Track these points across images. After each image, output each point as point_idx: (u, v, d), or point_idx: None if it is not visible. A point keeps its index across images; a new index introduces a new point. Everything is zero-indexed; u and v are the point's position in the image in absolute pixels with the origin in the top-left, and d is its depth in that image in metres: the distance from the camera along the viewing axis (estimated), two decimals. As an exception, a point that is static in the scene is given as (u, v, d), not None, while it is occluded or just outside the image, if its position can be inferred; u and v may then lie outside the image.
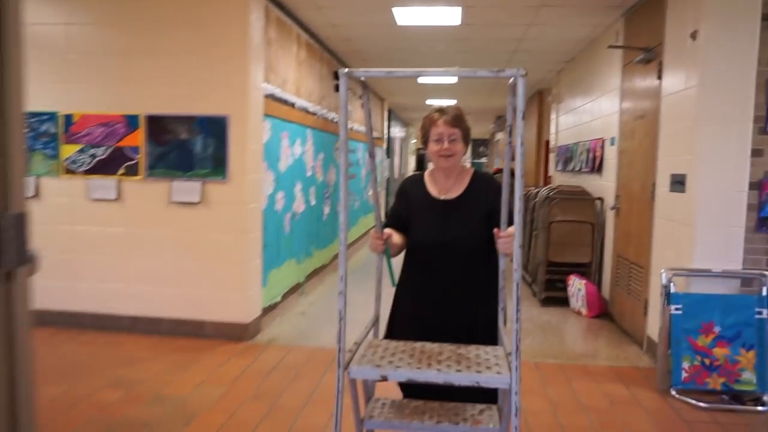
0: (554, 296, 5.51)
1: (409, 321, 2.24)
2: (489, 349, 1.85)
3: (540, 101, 9.77)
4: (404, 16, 5.17)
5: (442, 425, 1.83)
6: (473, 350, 1.83)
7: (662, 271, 3.54)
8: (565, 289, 5.48)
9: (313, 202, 6.13)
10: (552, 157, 8.29)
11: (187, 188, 4.15)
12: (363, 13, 5.17)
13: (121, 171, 4.22)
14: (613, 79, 5.28)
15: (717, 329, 3.40)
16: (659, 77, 4.08)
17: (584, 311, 5.14)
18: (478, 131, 20.47)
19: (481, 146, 23.71)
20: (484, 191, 2.24)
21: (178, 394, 3.24)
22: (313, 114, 5.98)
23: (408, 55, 6.91)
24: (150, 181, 4.21)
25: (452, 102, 11.76)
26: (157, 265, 4.24)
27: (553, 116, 8.35)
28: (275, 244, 4.90)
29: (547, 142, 9.04)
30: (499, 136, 17.76)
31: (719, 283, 3.47)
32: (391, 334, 2.26)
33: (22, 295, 1.29)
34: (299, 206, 5.64)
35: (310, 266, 6.06)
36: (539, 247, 5.64)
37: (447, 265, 2.20)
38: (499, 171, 13.40)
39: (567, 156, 7.06)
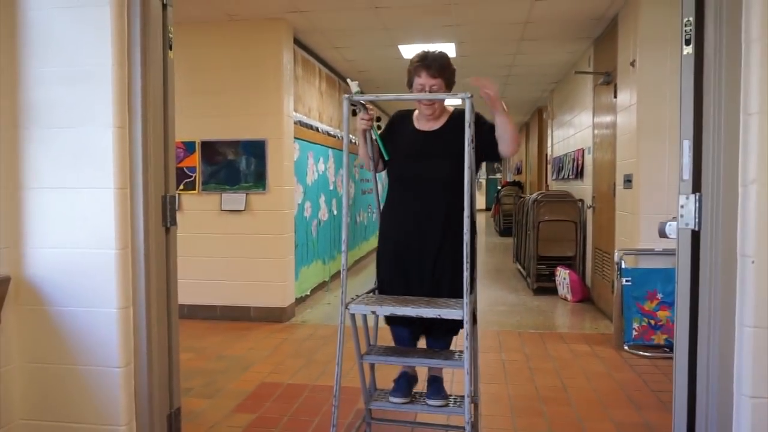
0: (545, 286, 6.36)
1: (390, 243, 2.51)
2: (453, 301, 2.30)
3: (539, 118, 10.66)
4: (408, 51, 6.16)
5: (423, 359, 2.40)
6: (442, 301, 2.32)
7: (615, 251, 4.41)
8: (554, 279, 6.33)
9: (335, 212, 7.10)
10: (550, 167, 9.17)
11: (234, 199, 5.15)
12: (374, 50, 6.17)
13: (181, 187, 5.23)
14: (587, 98, 6.19)
15: (660, 296, 4.24)
16: (615, 96, 4.99)
17: (569, 297, 5.98)
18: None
19: (495, 163, 24.52)
20: (463, 122, 2.27)
21: (235, 354, 4.19)
22: (334, 136, 6.99)
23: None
24: (204, 194, 5.22)
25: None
26: (210, 262, 5.22)
27: (548, 131, 9.25)
28: (304, 245, 5.87)
29: (546, 156, 9.92)
30: (510, 151, 18.57)
31: (661, 259, 4.31)
32: (378, 257, 2.59)
33: (174, 241, 2.27)
34: (323, 215, 6.62)
35: (334, 267, 7.01)
36: (530, 243, 6.52)
37: (425, 191, 2.39)
38: (508, 184, 14.26)
39: (559, 166, 7.95)
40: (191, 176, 5.23)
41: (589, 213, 6.05)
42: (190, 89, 5.07)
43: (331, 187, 6.97)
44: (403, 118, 2.61)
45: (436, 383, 2.48)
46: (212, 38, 5.15)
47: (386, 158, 2.55)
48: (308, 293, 6.01)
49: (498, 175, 24.51)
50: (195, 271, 5.21)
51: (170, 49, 2.25)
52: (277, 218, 5.16)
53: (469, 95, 2.15)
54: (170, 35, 2.25)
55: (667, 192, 4.27)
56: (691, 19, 1.94)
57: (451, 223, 2.37)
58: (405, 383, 2.46)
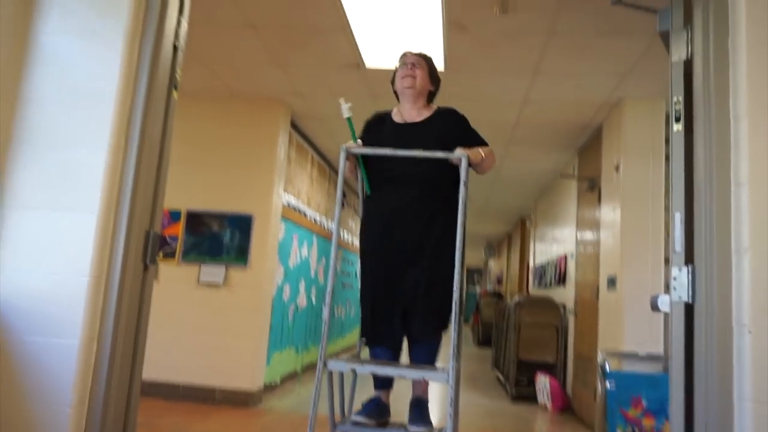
0: (524, 393, 6.12)
1: (373, 236, 2.43)
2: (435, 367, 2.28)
3: (522, 228, 10.86)
4: (400, 147, 6.35)
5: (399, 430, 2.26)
6: (426, 366, 2.30)
7: (599, 352, 4.31)
8: (534, 386, 6.11)
9: (314, 301, 6.95)
10: (531, 276, 9.19)
11: (213, 271, 5.03)
12: (366, 143, 6.36)
13: (160, 255, 5.12)
14: (571, 205, 6.34)
15: (645, 403, 4.09)
16: (599, 201, 5.12)
17: (549, 404, 5.75)
18: (471, 260, 21.54)
19: (475, 274, 24.63)
20: (450, 120, 2.42)
21: (193, 434, 3.89)
22: (320, 224, 7.00)
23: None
24: (183, 264, 5.10)
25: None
26: (179, 336, 4.98)
27: (531, 241, 9.38)
28: (279, 328, 5.67)
29: (528, 264, 9.98)
30: (492, 263, 18.77)
31: (646, 364, 4.21)
32: (361, 249, 2.50)
33: (150, 281, 2.16)
34: (302, 301, 6.46)
35: (307, 359, 6.73)
36: (511, 347, 6.37)
37: (407, 184, 2.35)
38: (488, 294, 14.21)
39: (541, 273, 7.98)
40: (172, 245, 5.13)
41: (571, 319, 5.98)
42: (182, 158, 5.10)
43: (313, 275, 6.87)
44: (380, 117, 2.58)
45: (419, 406, 2.29)
46: (211, 112, 5.29)
47: (368, 192, 2.50)
48: (278, 381, 5.71)
49: (477, 288, 24.51)
50: (161, 345, 4.95)
51: (175, 89, 2.29)
52: (255, 295, 5.01)
53: (466, 155, 2.19)
54: (177, 77, 2.30)
55: (650, 293, 4.26)
56: (680, 98, 2.03)
57: (434, 225, 2.34)
58: (374, 407, 2.28)
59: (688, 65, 2.05)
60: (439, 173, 2.35)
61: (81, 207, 1.98)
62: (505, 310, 7.08)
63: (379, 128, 2.51)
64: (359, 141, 2.47)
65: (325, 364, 2.09)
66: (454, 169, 2.31)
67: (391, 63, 4.29)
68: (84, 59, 2.08)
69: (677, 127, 2.04)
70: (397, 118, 2.50)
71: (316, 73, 4.61)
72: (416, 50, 2.56)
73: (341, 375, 2.32)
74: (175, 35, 2.28)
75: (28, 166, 2.03)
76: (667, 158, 4.72)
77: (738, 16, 1.86)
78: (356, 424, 2.20)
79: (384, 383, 2.37)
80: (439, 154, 2.28)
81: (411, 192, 2.37)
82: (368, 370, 2.11)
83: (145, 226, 2.14)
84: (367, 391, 2.45)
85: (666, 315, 2.01)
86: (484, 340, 12.32)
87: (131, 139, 2.08)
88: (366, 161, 2.50)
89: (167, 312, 4.97)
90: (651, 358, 4.21)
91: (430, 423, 2.25)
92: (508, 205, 9.88)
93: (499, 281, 15.37)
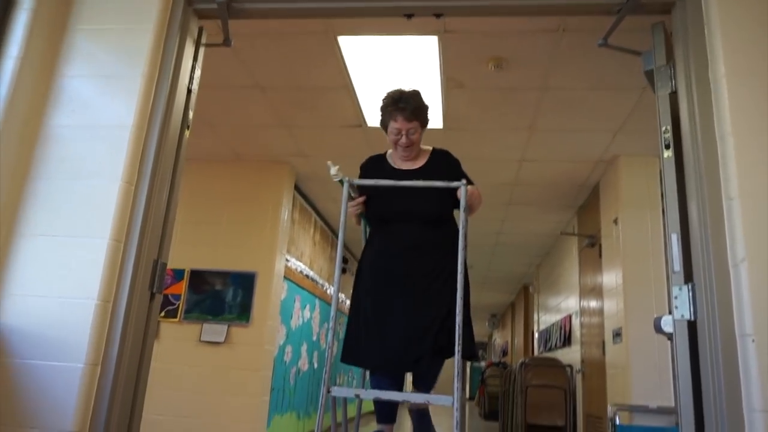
0: (534, 459, 5.90)
1: (370, 279, 2.39)
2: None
3: (525, 296, 10.80)
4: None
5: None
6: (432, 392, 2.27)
7: (608, 406, 4.20)
8: (544, 452, 5.89)
9: (315, 365, 6.82)
10: (536, 342, 9.06)
11: (215, 330, 4.99)
12: (368, 205, 6.48)
13: (162, 314, 5.10)
14: (573, 264, 6.37)
15: (658, 458, 3.95)
16: (600, 256, 5.16)
17: (561, 470, 5.53)
18: (475, 333, 21.19)
19: (480, 350, 24.13)
20: (444, 163, 2.42)
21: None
22: (322, 288, 7.00)
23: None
24: (185, 323, 5.07)
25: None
26: (178, 397, 4.87)
27: (534, 307, 9.32)
28: (281, 390, 5.54)
29: (533, 332, 9.85)
30: (496, 336, 18.47)
31: (656, 417, 4.10)
32: (356, 289, 2.44)
33: (156, 310, 2.19)
34: (303, 364, 6.35)
35: (308, 426, 6.52)
36: (518, 411, 6.19)
37: (406, 231, 2.36)
38: (493, 364, 13.91)
39: (546, 337, 7.88)
40: (175, 304, 5.12)
41: (579, 379, 5.86)
42: (187, 220, 5.20)
43: (315, 338, 6.79)
44: (375, 162, 2.58)
45: (423, 418, 2.25)
46: (216, 173, 5.43)
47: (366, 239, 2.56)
48: (278, 448, 5.52)
49: (482, 363, 23.94)
50: (161, 406, 4.84)
51: (188, 128, 2.40)
52: (257, 353, 4.95)
53: (465, 182, 2.26)
54: (189, 118, 2.42)
55: (656, 343, 4.22)
56: (668, 127, 2.13)
57: (438, 259, 2.30)
58: None
59: (674, 97, 2.17)
60: (440, 213, 2.40)
61: (93, 234, 2.04)
62: (510, 374, 6.93)
63: (378, 173, 2.51)
64: (358, 195, 2.49)
65: (328, 390, 2.07)
66: (453, 207, 2.38)
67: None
68: (103, 99, 2.20)
69: (667, 154, 2.13)
70: (393, 161, 2.52)
71: (320, 133, 4.79)
72: (406, 100, 2.38)
73: (345, 407, 2.28)
74: (189, 79, 2.42)
75: (44, 197, 2.10)
76: (664, 212, 4.83)
77: (715, 48, 1.99)
78: (361, 458, 2.15)
79: (388, 416, 2.33)
80: (439, 184, 2.35)
81: (413, 231, 2.39)
82: (372, 395, 2.09)
83: (154, 255, 2.19)
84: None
85: (672, 343, 2.02)
86: (490, 413, 11.91)
87: (144, 172, 2.17)
88: (367, 205, 2.53)
89: (168, 371, 4.90)
90: (662, 411, 4.10)
91: None
92: (510, 272, 9.88)
93: (504, 353, 15.08)
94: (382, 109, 2.43)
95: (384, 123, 2.45)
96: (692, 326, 1.92)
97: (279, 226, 5.28)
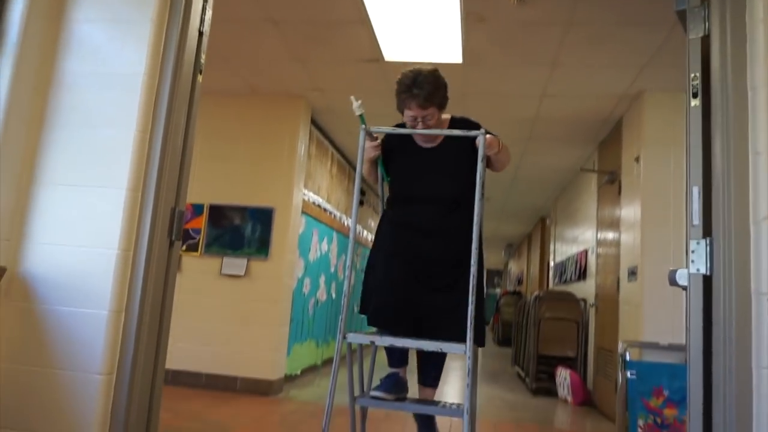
0: (544, 387, 6.10)
1: (389, 257, 2.39)
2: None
3: (542, 228, 10.81)
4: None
5: (420, 406, 2.34)
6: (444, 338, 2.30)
7: (620, 342, 4.29)
8: (554, 380, 6.08)
9: (333, 296, 7.00)
10: (551, 274, 9.15)
11: (235, 263, 5.11)
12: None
13: (184, 248, 5.22)
14: (591, 199, 6.32)
15: (666, 393, 4.05)
16: (619, 193, 5.10)
17: (570, 398, 5.72)
18: (491, 262, 21.43)
19: (495, 276, 24.52)
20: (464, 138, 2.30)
21: (214, 419, 3.95)
22: (340, 221, 7.06)
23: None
24: (206, 256, 5.20)
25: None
26: (202, 327, 5.07)
27: (551, 239, 9.34)
28: (300, 321, 5.73)
29: (548, 263, 9.93)
30: (512, 264, 18.68)
31: (667, 354, 4.18)
32: (372, 269, 2.43)
33: (176, 256, 2.23)
34: (322, 295, 6.52)
35: (327, 353, 6.78)
36: (531, 342, 6.35)
37: (429, 213, 2.36)
38: (508, 293, 14.15)
39: (561, 270, 7.94)
40: (195, 238, 5.23)
41: (592, 312, 5.95)
42: (205, 155, 5.21)
43: (332, 270, 6.93)
44: (398, 135, 2.51)
45: (427, 422, 2.32)
46: (233, 109, 5.39)
47: (386, 180, 2.53)
48: (298, 373, 5.77)
49: (497, 290, 24.39)
50: (185, 335, 5.05)
51: (200, 73, 2.36)
52: (276, 286, 5.08)
53: (483, 132, 2.22)
54: (201, 62, 2.37)
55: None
56: (697, 74, 2.04)
57: (457, 247, 2.26)
58: (392, 382, 2.32)
59: (706, 42, 2.06)
60: (462, 193, 2.34)
61: (110, 183, 2.06)
62: (524, 306, 7.06)
63: (401, 146, 2.48)
64: (378, 140, 2.47)
65: (344, 337, 2.14)
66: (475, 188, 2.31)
67: (410, 56, 4.36)
68: (113, 45, 2.16)
69: (694, 103, 2.05)
70: (416, 138, 2.47)
71: (336, 68, 4.68)
72: (419, 85, 2.26)
73: (361, 353, 2.36)
74: (200, 21, 2.35)
75: (60, 146, 2.11)
76: (687, 163, 4.71)
77: (755, -11, 1.87)
78: (375, 398, 2.24)
79: (400, 361, 2.40)
80: (458, 132, 2.30)
81: (435, 213, 2.37)
82: (387, 342, 2.15)
83: (171, 203, 2.21)
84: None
85: (686, 297, 2.02)
86: (504, 339, 12.27)
87: (158, 120, 2.15)
88: (391, 181, 2.54)
89: (191, 302, 5.07)
90: (672, 348, 4.17)
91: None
92: (527, 204, 9.84)
93: (520, 281, 15.30)
94: (397, 94, 2.33)
95: (399, 108, 2.38)
96: (707, 281, 1.91)
97: (296, 161, 5.27)
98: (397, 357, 2.42)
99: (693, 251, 1.96)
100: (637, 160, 4.57)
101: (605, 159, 5.79)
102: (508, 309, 12.64)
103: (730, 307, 1.80)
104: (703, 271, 1.93)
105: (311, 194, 5.92)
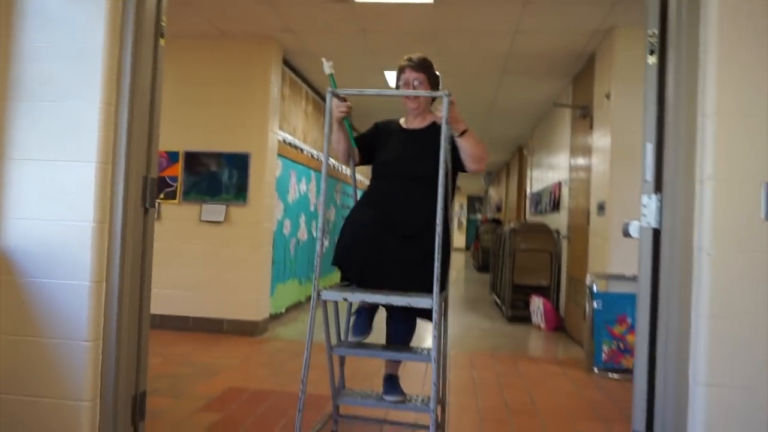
0: (520, 315, 6.40)
1: (362, 206, 2.51)
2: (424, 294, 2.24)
3: (520, 156, 10.91)
4: (394, 78, 6.32)
5: (391, 353, 2.49)
6: (413, 294, 2.28)
7: (587, 274, 4.50)
8: (528, 308, 6.38)
9: (314, 234, 7.13)
10: (528, 203, 9.34)
11: (214, 210, 5.17)
12: (360, 75, 6.31)
13: (162, 196, 5.24)
14: (565, 132, 6.39)
15: (629, 320, 4.31)
16: (591, 128, 5.17)
17: (543, 325, 6.03)
18: (472, 188, 21.71)
19: (476, 202, 24.85)
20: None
21: (204, 361, 4.14)
22: (317, 159, 7.08)
23: (396, 111, 8.08)
24: (184, 204, 5.24)
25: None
26: (186, 272, 5.19)
27: (528, 168, 9.46)
28: (282, 262, 5.87)
29: (525, 192, 10.11)
30: (491, 191, 18.92)
31: (631, 284, 4.40)
32: (341, 239, 2.44)
33: (151, 223, 2.29)
34: (303, 235, 6.64)
35: (310, 290, 6.98)
36: (506, 272, 6.60)
37: (404, 186, 2.47)
38: (488, 221, 14.43)
39: (537, 200, 8.12)
40: (173, 186, 5.25)
41: (565, 243, 6.17)
42: (177, 100, 5.13)
43: (312, 209, 7.02)
44: (389, 123, 2.72)
45: (392, 381, 2.50)
46: (203, 53, 5.26)
47: (353, 145, 2.61)
48: (283, 311, 5.98)
49: (478, 215, 24.81)
50: (170, 281, 5.17)
51: (162, 37, 2.33)
52: (256, 231, 5.17)
53: (448, 93, 2.25)
54: (162, 24, 2.33)
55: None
56: (655, 30, 2.07)
57: (427, 217, 2.34)
58: (360, 324, 2.50)
59: (664, -1, 2.08)
60: (437, 172, 2.32)
61: (80, 157, 2.08)
62: (501, 236, 7.27)
63: (388, 132, 2.66)
64: (346, 102, 2.54)
65: (318, 295, 2.25)
66: (454, 171, 2.54)
67: (380, -4, 4.26)
68: (70, 13, 2.12)
69: (651, 60, 2.10)
70: (403, 125, 2.68)
71: (305, 9, 4.56)
72: (415, 57, 2.55)
73: (336, 304, 2.48)
74: (157, -19, 2.29)
75: (26, 120, 2.11)
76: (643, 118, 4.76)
77: (711, -53, 1.87)
78: (350, 345, 2.40)
79: (362, 329, 2.52)
80: (423, 93, 2.37)
81: (411, 188, 2.48)
82: (358, 297, 2.28)
83: (143, 171, 2.25)
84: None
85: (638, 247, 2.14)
86: (483, 265, 12.65)
87: (122, 89, 2.15)
88: (371, 160, 2.68)
89: (173, 249, 5.16)
90: (637, 279, 4.39)
91: (403, 393, 2.46)
92: (505, 134, 9.88)
93: (499, 209, 15.57)
94: (397, 71, 2.60)
95: (397, 81, 2.61)
96: (656, 234, 2.04)
97: (269, 104, 5.22)
98: (360, 325, 2.50)
99: (645, 206, 2.08)
100: (608, 96, 4.61)
101: (579, 93, 5.82)
102: (487, 236, 12.93)
103: (675, 261, 1.94)
104: (653, 224, 2.05)
105: (287, 135, 5.90)
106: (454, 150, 2.48)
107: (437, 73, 2.62)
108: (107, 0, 2.09)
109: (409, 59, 2.54)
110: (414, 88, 2.52)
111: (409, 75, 2.52)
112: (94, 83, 2.08)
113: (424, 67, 2.52)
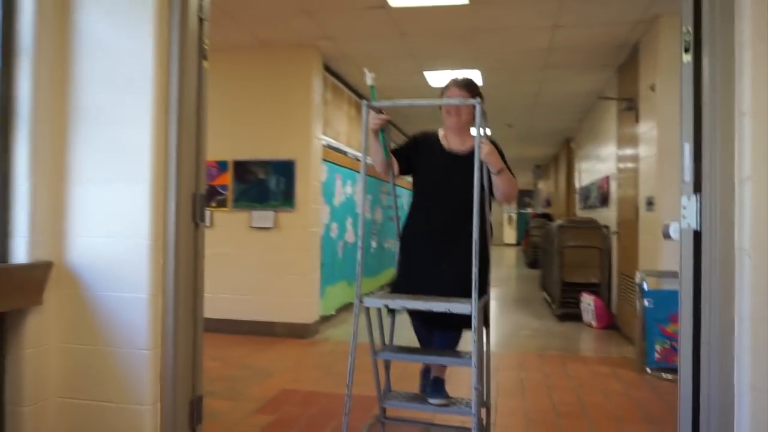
0: (570, 312, 6.32)
1: (411, 259, 2.65)
2: (464, 299, 2.31)
3: (568, 149, 10.71)
4: (434, 79, 6.35)
5: (433, 357, 2.54)
6: (453, 299, 2.35)
7: (637, 272, 4.41)
8: (579, 306, 6.29)
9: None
10: (577, 197, 9.17)
11: (263, 216, 5.35)
12: (401, 77, 6.37)
13: (213, 204, 5.46)
14: (612, 126, 6.26)
15: (682, 318, 4.20)
16: (637, 121, 5.05)
17: (594, 323, 5.94)
18: (521, 182, 21.38)
19: (526, 197, 24.48)
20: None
21: (258, 364, 4.30)
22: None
23: (430, 115, 8.09)
24: (235, 211, 5.44)
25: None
26: (238, 278, 5.39)
27: (576, 162, 9.29)
28: (330, 264, 6.00)
29: (574, 186, 9.92)
30: (541, 185, 18.61)
31: (683, 281, 4.29)
32: (400, 269, 2.67)
33: (201, 237, 2.43)
34: (350, 237, 6.76)
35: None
36: (555, 269, 6.52)
37: (447, 210, 2.58)
38: (537, 216, 14.23)
39: (586, 195, 7.97)
40: (223, 194, 5.45)
41: (614, 239, 6.04)
42: (223, 112, 5.33)
43: (358, 211, 7.13)
44: (428, 136, 2.76)
45: (438, 384, 2.57)
46: (245, 64, 5.44)
47: (386, 158, 2.67)
48: (333, 313, 6.11)
49: (528, 209, 24.44)
50: (224, 286, 5.38)
51: (205, 59, 2.46)
52: (304, 236, 5.32)
53: (479, 101, 2.30)
54: (205, 47, 2.46)
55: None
56: (689, 27, 2.04)
57: (468, 235, 2.35)
58: (438, 387, 2.58)
59: (699, -7, 2.04)
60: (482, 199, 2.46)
61: (134, 177, 2.23)
62: (549, 233, 7.18)
63: (429, 150, 2.70)
64: (382, 113, 2.61)
65: (361, 301, 2.33)
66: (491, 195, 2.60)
67: (416, 0, 4.30)
68: (120, 41, 2.26)
69: (686, 58, 2.07)
70: (444, 142, 2.70)
71: (343, 16, 4.65)
72: (460, 78, 2.67)
73: (379, 309, 2.55)
74: (199, 8, 2.42)
75: (86, 144, 2.28)
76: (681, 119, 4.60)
77: (745, -59, 1.84)
78: (393, 349, 2.49)
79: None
80: (455, 102, 2.42)
81: (451, 210, 2.58)
82: (399, 304, 2.34)
83: (192, 188, 2.38)
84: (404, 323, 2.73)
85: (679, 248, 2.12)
86: (533, 262, 12.49)
87: (170, 112, 2.29)
88: (410, 171, 2.77)
89: (226, 255, 5.37)
90: (689, 275, 4.28)
91: (448, 396, 2.55)
92: (551, 127, 9.73)
93: (548, 203, 15.32)
94: (440, 95, 2.71)
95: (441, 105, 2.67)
96: (697, 236, 2.01)
97: (311, 110, 5.35)
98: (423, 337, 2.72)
99: (684, 207, 2.05)
100: (653, 88, 4.51)
101: (624, 84, 5.69)
102: (537, 232, 12.76)
103: (716, 263, 1.91)
104: (693, 226, 2.02)
105: (331, 140, 6.02)
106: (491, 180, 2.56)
107: (481, 93, 2.63)
108: (154, 27, 2.23)
109: (455, 79, 2.66)
110: (456, 115, 2.60)
111: (452, 93, 2.62)
112: (144, 107, 2.22)
113: (467, 86, 2.62)
